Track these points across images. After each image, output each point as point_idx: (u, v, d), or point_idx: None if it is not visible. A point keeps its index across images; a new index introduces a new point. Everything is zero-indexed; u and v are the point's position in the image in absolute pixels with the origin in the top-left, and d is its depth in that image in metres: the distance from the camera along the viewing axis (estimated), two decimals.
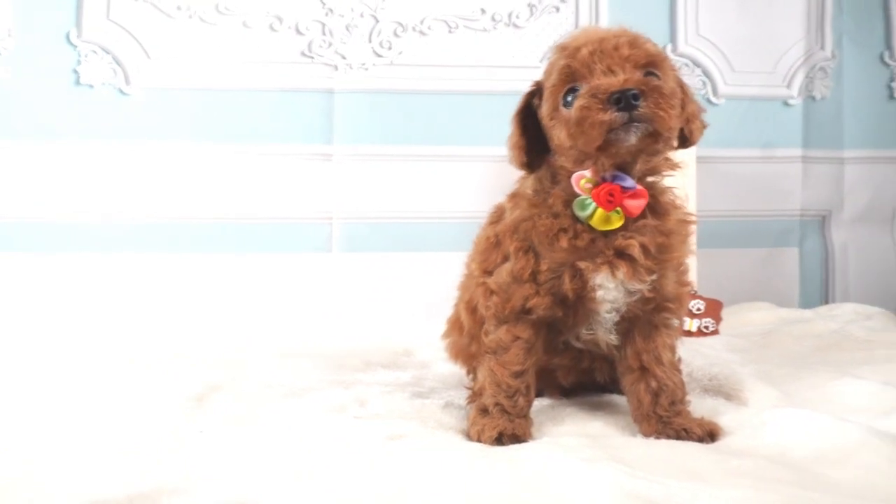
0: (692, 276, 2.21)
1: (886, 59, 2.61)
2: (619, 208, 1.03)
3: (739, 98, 2.55)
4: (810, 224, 2.61)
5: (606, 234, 1.04)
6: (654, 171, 1.08)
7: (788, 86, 2.56)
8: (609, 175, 1.03)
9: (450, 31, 2.44)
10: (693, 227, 1.13)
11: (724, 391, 1.32)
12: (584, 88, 0.99)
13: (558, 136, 1.04)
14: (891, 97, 2.62)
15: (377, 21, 2.40)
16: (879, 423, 1.06)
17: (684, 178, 2.25)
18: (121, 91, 2.30)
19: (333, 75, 2.38)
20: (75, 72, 2.28)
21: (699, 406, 1.19)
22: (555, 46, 1.08)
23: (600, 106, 0.96)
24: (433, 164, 2.40)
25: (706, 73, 2.53)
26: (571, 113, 0.99)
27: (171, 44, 2.32)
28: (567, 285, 1.05)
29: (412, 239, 2.40)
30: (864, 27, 2.61)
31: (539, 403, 1.25)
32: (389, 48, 2.41)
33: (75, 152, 2.28)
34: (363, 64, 2.39)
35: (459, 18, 2.44)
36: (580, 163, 1.05)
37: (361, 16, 2.39)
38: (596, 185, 1.03)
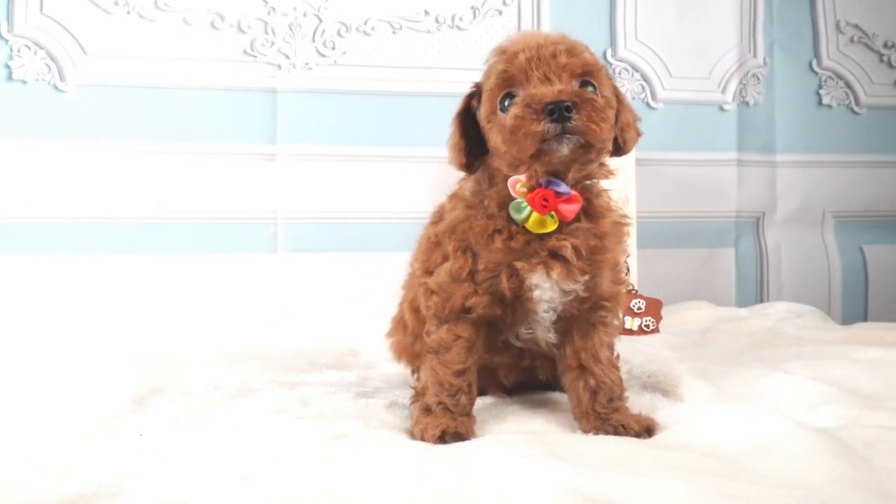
0: (633, 276, 2.28)
1: (815, 66, 2.72)
2: (553, 213, 1.05)
3: (677, 102, 2.61)
4: (745, 225, 2.70)
5: (541, 236, 1.06)
6: (589, 177, 1.10)
7: (723, 91, 2.64)
8: (544, 180, 1.05)
9: (394, 32, 2.44)
10: (628, 229, 1.16)
11: (662, 387, 1.35)
12: (520, 96, 1.01)
13: (495, 140, 1.06)
14: (819, 103, 2.73)
15: (321, 21, 2.38)
16: (806, 417, 1.11)
17: (624, 180, 2.31)
18: (55, 87, 2.23)
19: (277, 74, 2.36)
20: (7, 67, 2.20)
21: (638, 402, 1.22)
22: (494, 49, 1.10)
23: (534, 116, 0.98)
24: (378, 164, 2.40)
25: (645, 78, 2.59)
26: (507, 120, 1.01)
27: (108, 40, 2.26)
28: (504, 284, 1.07)
29: (358, 239, 2.39)
30: (794, 36, 2.71)
31: (482, 402, 1.27)
32: (333, 48, 2.40)
33: (7, 150, 2.20)
34: (307, 63, 2.38)
35: (403, 20, 2.44)
36: (515, 167, 1.07)
37: (305, 15, 2.37)
38: (531, 189, 1.05)
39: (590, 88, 1.03)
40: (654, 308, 2.12)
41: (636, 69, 2.58)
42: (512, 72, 1.03)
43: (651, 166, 2.52)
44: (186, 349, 1.85)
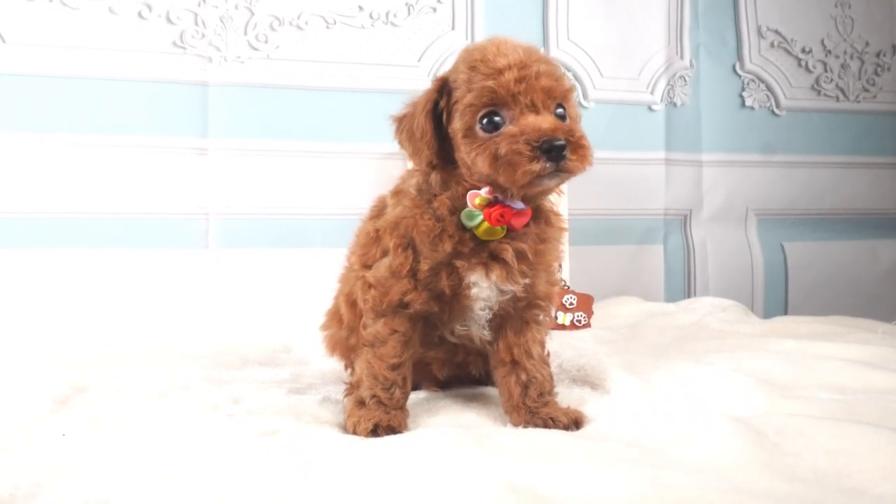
0: (565, 272, 2.33)
1: (738, 69, 2.82)
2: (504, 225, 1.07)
3: (607, 102, 2.68)
4: (673, 223, 2.78)
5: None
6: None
7: (652, 92, 2.72)
8: (502, 196, 1.07)
9: (327, 27, 2.42)
10: (565, 234, 1.20)
11: (591, 381, 1.38)
12: (512, 127, 1.02)
13: (474, 159, 1.05)
14: (742, 105, 2.83)
15: (252, 13, 2.35)
16: (726, 406, 1.15)
17: None
18: None
19: (207, 67, 2.31)
20: None
21: (567, 395, 1.25)
22: (468, 56, 1.08)
23: (530, 153, 0.99)
24: (312, 159, 2.38)
25: (577, 78, 2.64)
26: (497, 148, 1.01)
27: (30, 28, 2.18)
28: (444, 282, 1.09)
29: (291, 235, 2.37)
30: (718, 40, 2.80)
31: (415, 396, 1.28)
32: (266, 42, 2.37)
33: None
34: (238, 57, 2.34)
35: (337, 15, 2.43)
36: (484, 183, 1.07)
37: (236, 7, 2.34)
38: (489, 204, 1.07)
39: (560, 111, 1.06)
40: (585, 303, 2.16)
41: (568, 69, 2.62)
42: (499, 92, 1.03)
43: None
44: (114, 347, 1.81)
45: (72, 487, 0.82)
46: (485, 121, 1.03)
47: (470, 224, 1.07)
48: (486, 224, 1.06)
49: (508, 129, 1.02)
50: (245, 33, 2.35)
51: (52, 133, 2.20)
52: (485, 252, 1.08)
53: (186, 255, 2.30)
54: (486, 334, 1.16)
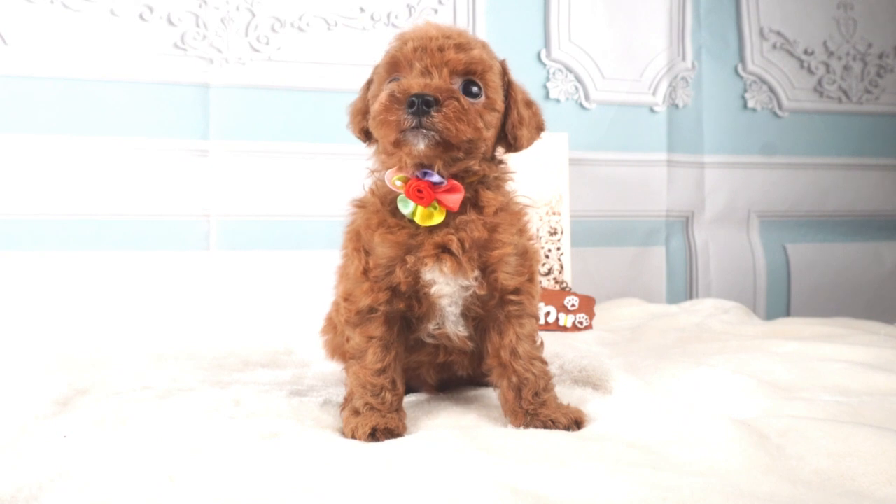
0: (566, 273, 2.32)
1: (740, 71, 2.82)
2: (436, 203, 1.06)
3: (609, 104, 2.67)
4: (675, 224, 2.77)
5: (430, 229, 1.08)
6: (473, 173, 1.10)
7: (654, 93, 2.71)
8: (419, 172, 1.07)
9: (329, 29, 2.42)
10: (526, 219, 1.17)
11: (592, 381, 1.38)
12: (391, 84, 1.03)
13: (370, 119, 1.07)
14: (744, 106, 2.83)
15: (254, 15, 2.35)
16: (728, 408, 1.15)
17: (558, 179, 2.35)
18: None
19: (208, 69, 2.31)
20: None
21: (569, 395, 1.25)
22: (396, 35, 1.11)
23: (397, 105, 0.99)
24: (313, 161, 2.38)
25: (578, 79, 2.63)
26: (376, 105, 1.03)
27: (31, 30, 2.18)
28: (400, 279, 1.08)
29: (292, 237, 2.37)
30: (720, 41, 2.80)
31: (415, 398, 1.28)
32: (267, 43, 2.36)
33: None
34: (240, 58, 2.34)
35: (339, 16, 2.43)
36: (389, 154, 1.09)
37: (237, 9, 2.33)
38: (405, 181, 1.07)
39: (474, 89, 1.05)
40: (587, 305, 2.16)
41: (570, 70, 2.62)
42: (398, 58, 1.05)
43: (584, 166, 2.57)
44: (116, 348, 1.80)
45: (73, 488, 0.82)
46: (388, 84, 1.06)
47: (406, 211, 1.07)
48: (420, 207, 1.06)
49: (397, 81, 1.03)
50: (246, 35, 2.35)
51: (54, 135, 2.20)
52: (431, 244, 1.07)
53: (187, 257, 2.30)
54: (462, 331, 1.15)
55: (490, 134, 1.08)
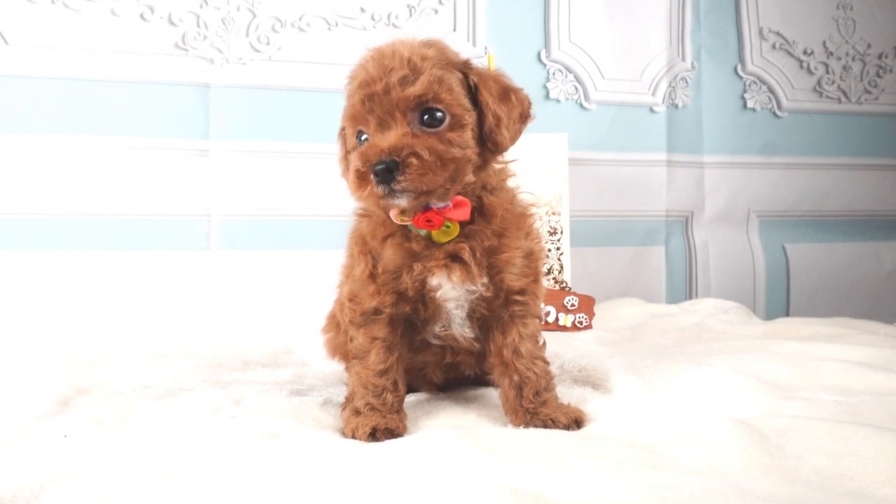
0: (566, 273, 2.32)
1: (739, 71, 2.82)
2: (448, 223, 1.06)
3: (609, 104, 2.67)
4: (675, 224, 2.77)
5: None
6: (469, 184, 1.07)
7: (653, 93, 2.71)
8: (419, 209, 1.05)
9: (329, 29, 2.42)
10: (532, 221, 1.16)
11: (592, 381, 1.38)
12: (361, 146, 1.01)
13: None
14: (744, 107, 2.83)
15: (254, 15, 2.35)
16: (728, 408, 1.15)
17: (558, 179, 2.35)
18: None
19: (209, 69, 2.32)
20: None
21: (569, 395, 1.25)
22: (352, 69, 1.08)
23: (365, 180, 0.98)
24: (314, 161, 2.38)
25: (578, 80, 2.64)
26: (349, 171, 1.02)
27: (32, 30, 2.19)
28: (407, 284, 1.08)
29: (293, 236, 2.37)
30: (720, 42, 2.80)
31: (415, 398, 1.28)
32: (268, 43, 2.37)
33: None
34: (240, 58, 2.34)
35: (339, 16, 2.43)
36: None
37: (238, 9, 2.34)
38: (411, 216, 1.06)
39: (437, 114, 1.01)
40: (587, 305, 2.16)
41: (570, 70, 2.62)
42: (355, 112, 1.03)
43: (584, 166, 2.57)
44: (116, 348, 1.81)
45: (73, 488, 0.82)
46: (361, 138, 1.04)
47: (422, 233, 1.07)
48: (433, 231, 1.06)
49: (359, 149, 1.01)
50: (247, 35, 2.35)
51: (54, 135, 2.20)
52: (442, 253, 1.07)
53: (188, 257, 2.30)
54: (469, 332, 1.15)
55: (469, 150, 1.03)
